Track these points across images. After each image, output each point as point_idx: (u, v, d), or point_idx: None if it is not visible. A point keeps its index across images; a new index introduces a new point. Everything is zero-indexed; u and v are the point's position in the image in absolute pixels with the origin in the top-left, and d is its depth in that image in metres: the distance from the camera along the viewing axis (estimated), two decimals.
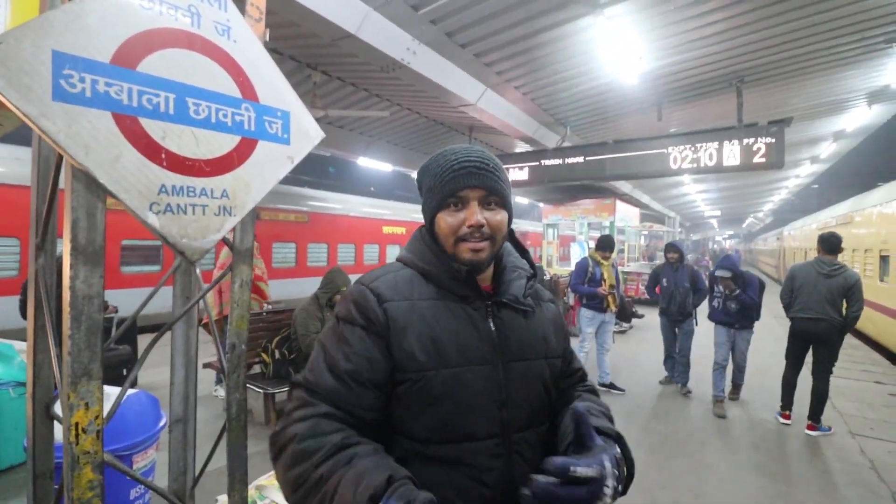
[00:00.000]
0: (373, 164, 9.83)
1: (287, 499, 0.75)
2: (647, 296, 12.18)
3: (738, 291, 4.49)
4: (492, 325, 0.90)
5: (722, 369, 4.71)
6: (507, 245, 1.02)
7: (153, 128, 1.19)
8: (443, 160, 0.92)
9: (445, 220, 0.90)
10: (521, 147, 8.77)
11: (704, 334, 5.55)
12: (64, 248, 1.10)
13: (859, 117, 8.62)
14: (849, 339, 8.68)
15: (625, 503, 2.88)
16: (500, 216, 0.91)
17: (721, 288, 4.62)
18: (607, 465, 0.73)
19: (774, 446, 3.81)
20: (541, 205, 14.63)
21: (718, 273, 4.55)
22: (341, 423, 0.79)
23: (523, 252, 1.05)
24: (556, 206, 13.40)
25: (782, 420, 4.31)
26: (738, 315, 4.62)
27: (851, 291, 3.89)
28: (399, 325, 0.85)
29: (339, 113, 6.36)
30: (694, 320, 5.30)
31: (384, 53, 4.20)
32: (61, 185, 1.14)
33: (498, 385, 0.87)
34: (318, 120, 1.61)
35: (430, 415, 0.83)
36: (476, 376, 0.85)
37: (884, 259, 8.05)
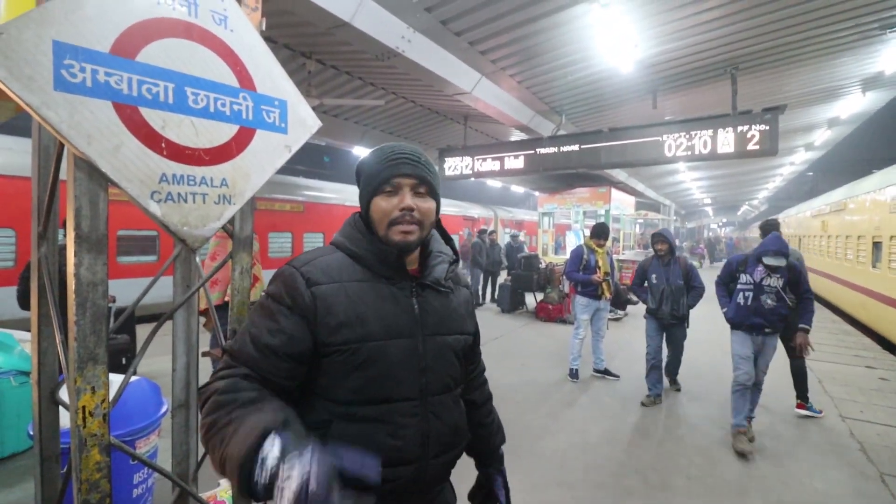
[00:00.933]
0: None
1: (203, 443, 0.85)
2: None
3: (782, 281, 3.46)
4: (415, 303, 1.03)
5: (746, 390, 3.56)
6: (434, 232, 1.12)
7: (153, 117, 1.20)
8: (380, 153, 1.03)
9: (379, 204, 1.00)
10: (517, 136, 8.76)
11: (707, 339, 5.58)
12: (67, 236, 1.12)
13: (854, 104, 8.64)
14: (840, 325, 8.82)
15: (620, 483, 2.97)
16: (429, 204, 1.03)
17: (761, 277, 3.47)
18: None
19: (765, 429, 3.90)
20: (536, 193, 14.63)
21: (770, 261, 3.40)
22: (258, 385, 0.90)
23: (448, 240, 1.16)
24: (551, 194, 13.41)
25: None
26: (777, 315, 3.50)
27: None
28: (326, 304, 0.94)
29: (334, 102, 6.33)
30: (687, 324, 4.66)
31: (379, 42, 4.18)
32: (63, 174, 1.16)
33: (418, 355, 1.00)
34: (313, 109, 1.63)
35: (355, 380, 0.95)
36: (398, 348, 0.97)
37: (876, 245, 8.14)
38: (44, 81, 1.00)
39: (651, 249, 4.83)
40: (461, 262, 1.41)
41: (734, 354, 3.64)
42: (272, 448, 0.72)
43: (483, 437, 1.27)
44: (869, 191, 8.87)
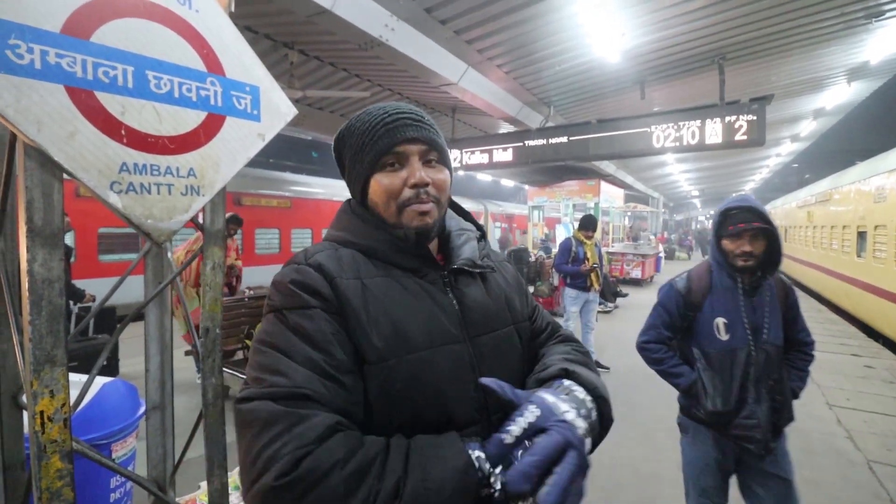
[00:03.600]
0: None
1: None
2: (632, 275, 12.48)
3: None
4: (452, 297, 0.79)
5: None
6: (448, 210, 0.92)
7: (111, 102, 1.13)
8: (368, 117, 0.80)
9: (381, 182, 0.78)
10: (505, 128, 8.70)
11: None
12: (19, 230, 1.05)
13: (839, 95, 8.71)
14: (826, 314, 8.94)
15: (609, 474, 2.95)
16: (443, 174, 0.81)
17: None
18: (543, 403, 0.64)
19: None
20: (526, 187, 14.62)
21: None
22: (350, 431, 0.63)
23: (465, 214, 0.95)
24: (541, 187, 13.43)
25: None
26: None
27: None
28: (352, 307, 0.70)
29: (319, 94, 6.21)
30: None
31: (361, 30, 4.08)
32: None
33: (470, 364, 0.75)
34: (296, 101, 1.56)
35: (397, 407, 0.69)
36: (444, 358, 0.73)
37: (861, 235, 8.24)
38: None
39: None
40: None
41: None
42: (478, 452, 0.60)
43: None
44: (853, 181, 8.97)
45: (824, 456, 3.28)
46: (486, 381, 0.68)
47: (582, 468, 0.60)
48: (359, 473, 0.56)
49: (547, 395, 0.66)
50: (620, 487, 2.87)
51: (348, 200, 0.88)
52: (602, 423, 0.74)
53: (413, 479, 0.57)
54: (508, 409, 0.66)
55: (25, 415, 1.34)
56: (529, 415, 0.62)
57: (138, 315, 1.35)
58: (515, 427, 0.61)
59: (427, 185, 0.77)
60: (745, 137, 5.50)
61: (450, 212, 0.92)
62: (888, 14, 5.11)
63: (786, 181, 33.85)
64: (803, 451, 3.34)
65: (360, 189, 0.82)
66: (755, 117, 5.42)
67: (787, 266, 13.72)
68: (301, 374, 0.63)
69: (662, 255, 16.62)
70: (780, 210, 18.17)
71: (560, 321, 5.47)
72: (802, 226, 13.52)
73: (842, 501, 2.75)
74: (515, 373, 0.82)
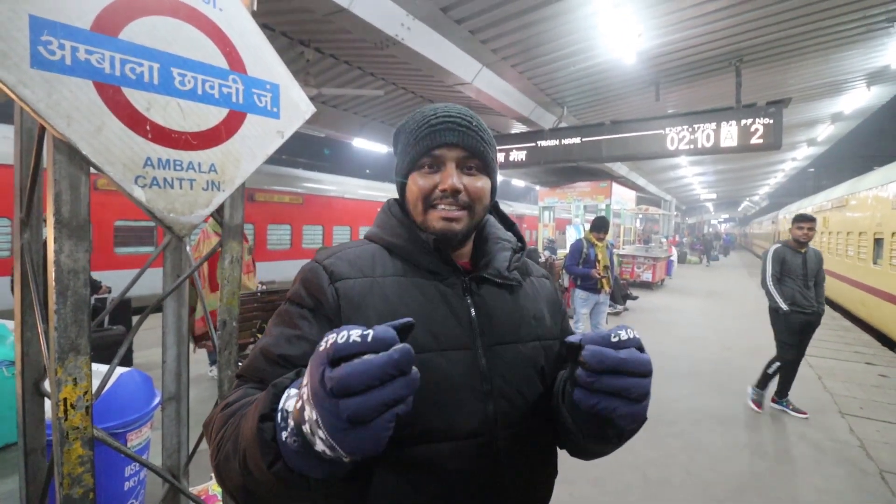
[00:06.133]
0: (368, 146, 9.72)
1: (218, 477, 0.60)
2: (642, 278, 12.39)
3: None
4: (470, 303, 0.78)
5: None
6: (491, 218, 0.91)
7: (137, 98, 1.15)
8: (420, 116, 0.80)
9: (416, 181, 0.78)
10: (518, 128, 8.68)
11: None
12: (47, 221, 1.08)
13: (858, 99, 8.56)
14: (840, 321, 8.80)
15: (620, 478, 2.94)
16: (482, 182, 0.79)
17: None
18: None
19: (765, 426, 3.88)
20: (537, 187, 14.57)
21: None
22: None
23: (510, 225, 0.93)
24: (552, 188, 13.36)
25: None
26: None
27: None
28: (353, 306, 0.72)
29: (333, 92, 6.25)
30: None
31: (378, 29, 4.10)
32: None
33: (480, 373, 0.74)
34: (311, 99, 1.57)
35: None
36: (451, 363, 0.72)
37: (878, 242, 8.10)
38: (19, 58, 0.95)
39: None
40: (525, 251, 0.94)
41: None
42: (287, 397, 0.51)
43: None
44: (870, 187, 8.81)
45: (836, 465, 3.23)
46: (571, 339, 0.62)
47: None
48: (227, 416, 0.63)
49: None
50: (629, 490, 2.86)
51: (390, 199, 0.89)
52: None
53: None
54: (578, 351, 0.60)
55: (46, 402, 1.38)
56: (628, 333, 0.58)
57: (155, 309, 1.38)
58: (624, 333, 0.58)
59: (458, 192, 0.76)
60: (760, 141, 5.43)
61: (493, 220, 0.91)
62: None
63: (802, 186, 33.29)
64: (815, 460, 3.30)
65: (400, 185, 0.84)
66: (772, 121, 5.36)
67: None
68: (260, 364, 0.71)
69: (674, 258, 16.49)
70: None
71: (570, 322, 5.43)
72: (820, 231, 13.31)
73: None
74: (534, 389, 0.78)
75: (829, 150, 15.73)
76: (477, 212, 0.80)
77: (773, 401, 4.22)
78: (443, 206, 0.77)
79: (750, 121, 5.47)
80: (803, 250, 4.01)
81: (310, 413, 0.44)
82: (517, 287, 0.85)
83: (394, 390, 0.42)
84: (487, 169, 0.81)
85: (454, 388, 0.71)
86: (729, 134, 5.62)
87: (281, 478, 0.49)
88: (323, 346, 0.44)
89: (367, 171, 28.56)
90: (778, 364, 4.07)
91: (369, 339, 0.43)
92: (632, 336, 0.58)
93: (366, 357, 0.42)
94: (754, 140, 5.45)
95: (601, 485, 2.90)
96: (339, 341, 0.43)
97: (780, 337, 4.07)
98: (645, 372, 0.56)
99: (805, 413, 4.04)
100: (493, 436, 0.72)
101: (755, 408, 4.13)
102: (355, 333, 0.43)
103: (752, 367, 5.45)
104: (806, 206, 15.85)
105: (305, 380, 0.46)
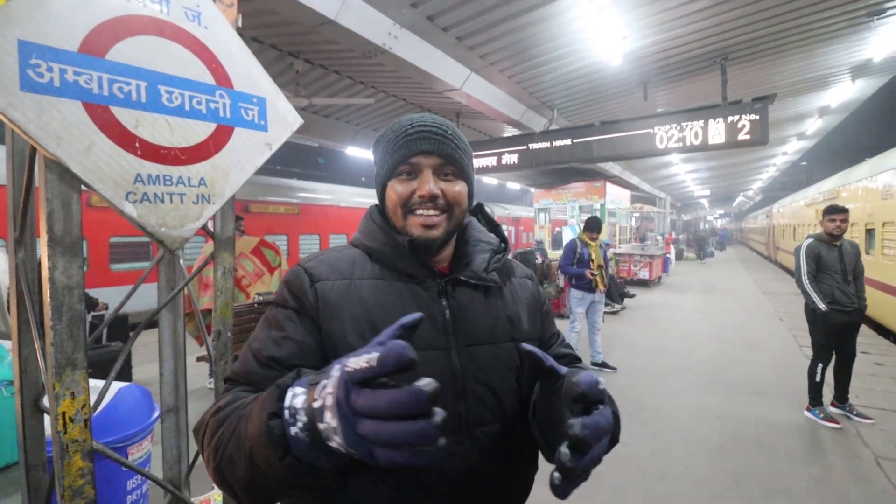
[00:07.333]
0: (362, 154, 9.77)
1: (215, 476, 0.63)
2: (639, 276, 12.45)
3: None
4: (445, 305, 0.81)
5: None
6: (474, 221, 0.95)
7: (125, 116, 1.18)
8: (397, 126, 0.84)
9: (395, 188, 0.81)
10: (510, 132, 8.74)
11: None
12: (41, 240, 1.10)
13: (843, 92, 8.66)
14: None
15: (619, 472, 2.96)
16: (459, 187, 0.83)
17: None
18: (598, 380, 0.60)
19: (761, 418, 3.90)
20: (532, 189, 14.63)
21: None
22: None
23: (495, 227, 0.96)
24: (547, 190, 13.42)
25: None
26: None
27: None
28: (330, 306, 0.76)
29: (324, 101, 6.29)
30: None
31: (365, 39, 4.15)
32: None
33: (452, 374, 0.77)
34: (302, 109, 1.61)
35: None
36: (423, 364, 0.71)
37: (869, 232, 8.17)
38: (9, 82, 0.98)
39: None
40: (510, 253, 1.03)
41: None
42: (293, 395, 0.53)
43: None
44: (860, 179, 8.89)
45: (833, 453, 3.26)
46: (528, 346, 0.67)
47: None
48: (222, 419, 0.65)
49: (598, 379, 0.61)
50: (627, 485, 2.88)
51: (374, 204, 0.92)
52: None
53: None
54: (547, 377, 0.66)
55: (46, 418, 1.40)
56: (602, 382, 0.58)
57: (152, 321, 1.40)
58: (602, 381, 0.58)
59: (436, 197, 0.80)
60: (748, 137, 5.50)
61: (475, 223, 0.94)
62: (889, 12, 5.10)
63: (794, 179, 33.54)
64: (813, 450, 3.33)
65: (380, 193, 0.87)
66: (758, 116, 5.42)
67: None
68: (251, 366, 0.74)
69: (671, 255, 16.55)
70: (787, 208, 18.02)
71: (567, 322, 5.50)
72: (811, 224, 13.40)
73: (850, 497, 2.74)
74: (509, 389, 0.81)
75: (820, 143, 15.88)
76: (455, 215, 0.83)
77: (833, 405, 3.97)
78: (421, 212, 0.80)
79: (737, 117, 5.54)
80: (838, 243, 3.80)
81: (330, 419, 0.47)
82: (494, 289, 0.87)
83: (407, 431, 0.44)
84: (463, 174, 0.84)
85: None
86: (717, 131, 5.68)
87: (292, 469, 0.52)
88: (351, 365, 0.46)
89: (363, 178, 28.57)
90: (821, 367, 3.83)
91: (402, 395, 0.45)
92: (601, 389, 0.57)
93: (393, 393, 0.45)
94: (741, 136, 5.52)
95: (599, 479, 2.92)
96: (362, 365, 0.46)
97: (816, 337, 3.87)
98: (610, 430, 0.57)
99: (871, 419, 3.80)
100: (466, 434, 0.75)
101: (832, 424, 3.71)
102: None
103: (748, 361, 5.50)
104: (799, 199, 15.97)
105: (330, 388, 0.48)
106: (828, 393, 3.97)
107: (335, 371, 0.49)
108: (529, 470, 0.86)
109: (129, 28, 1.19)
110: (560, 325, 7.36)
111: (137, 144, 1.19)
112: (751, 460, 3.19)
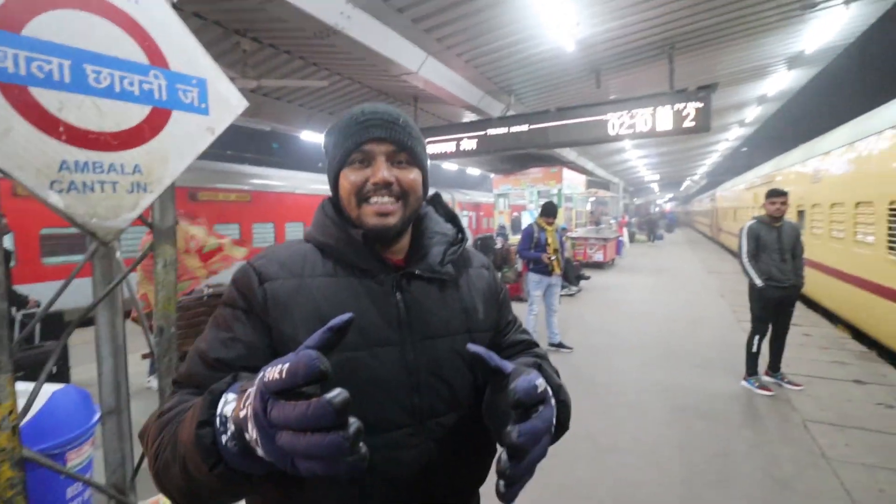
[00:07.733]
0: (317, 138, 9.48)
1: (158, 482, 0.62)
2: (594, 258, 12.88)
3: None
4: (399, 299, 0.80)
5: None
6: (430, 211, 0.93)
7: (47, 98, 1.09)
8: (348, 115, 0.83)
9: (348, 177, 0.79)
10: (468, 117, 8.73)
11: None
12: None
13: (780, 82, 9.20)
14: None
15: (571, 446, 3.08)
16: (413, 174, 0.82)
17: None
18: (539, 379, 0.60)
19: (704, 390, 4.17)
20: (491, 175, 14.74)
21: None
22: None
23: (452, 218, 0.94)
24: (506, 175, 13.57)
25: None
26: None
27: None
28: (280, 306, 0.74)
29: (275, 83, 6.03)
30: None
31: (315, 18, 3.99)
32: None
33: (406, 368, 0.77)
34: (251, 91, 1.53)
35: None
36: (378, 360, 0.75)
37: (800, 214, 8.78)
38: None
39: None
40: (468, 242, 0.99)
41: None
42: (225, 402, 0.53)
43: None
44: (793, 164, 9.52)
45: (767, 418, 3.54)
46: (474, 347, 0.67)
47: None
48: (163, 424, 0.64)
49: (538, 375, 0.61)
50: (579, 458, 3.01)
51: (327, 197, 0.89)
52: (557, 426, 0.71)
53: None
54: (493, 377, 0.67)
55: None
56: (541, 384, 0.58)
57: (88, 318, 1.31)
58: (541, 383, 0.58)
59: (390, 183, 0.78)
60: (693, 124, 5.74)
61: (431, 214, 0.93)
62: (820, 5, 5.43)
63: (735, 164, 35.45)
64: (749, 415, 3.60)
65: (332, 183, 0.84)
66: (702, 104, 5.66)
67: (735, 243, 14.41)
68: (197, 368, 0.73)
69: (625, 238, 17.19)
70: (729, 192, 19.07)
71: (525, 305, 5.64)
72: (750, 206, 14.25)
73: (780, 458, 2.99)
74: (464, 380, 0.81)
75: (759, 130, 16.84)
76: (410, 203, 0.82)
77: (766, 374, 4.28)
78: (375, 199, 0.78)
79: (682, 105, 5.76)
80: (778, 224, 4.06)
81: (251, 430, 0.47)
82: (449, 281, 0.87)
83: (319, 444, 0.43)
84: (417, 162, 0.83)
85: (382, 384, 0.74)
86: (664, 118, 5.89)
87: (224, 478, 0.51)
88: (268, 375, 0.45)
89: (319, 164, 27.77)
90: (758, 338, 4.13)
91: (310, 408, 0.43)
92: (542, 388, 0.58)
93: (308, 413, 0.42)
94: (686, 123, 5.75)
95: (552, 453, 3.00)
96: (278, 377, 0.44)
97: (755, 311, 4.16)
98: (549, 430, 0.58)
99: (800, 385, 4.14)
100: (421, 426, 0.76)
101: (766, 392, 4.01)
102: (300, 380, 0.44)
103: (693, 337, 5.83)
104: (738, 183, 16.91)
105: (250, 399, 0.47)
106: (763, 364, 4.27)
107: (258, 380, 0.47)
108: (485, 457, 0.87)
109: (47, 1, 1.09)
110: (519, 308, 7.52)
111: (62, 129, 1.10)
112: (693, 428, 3.41)
